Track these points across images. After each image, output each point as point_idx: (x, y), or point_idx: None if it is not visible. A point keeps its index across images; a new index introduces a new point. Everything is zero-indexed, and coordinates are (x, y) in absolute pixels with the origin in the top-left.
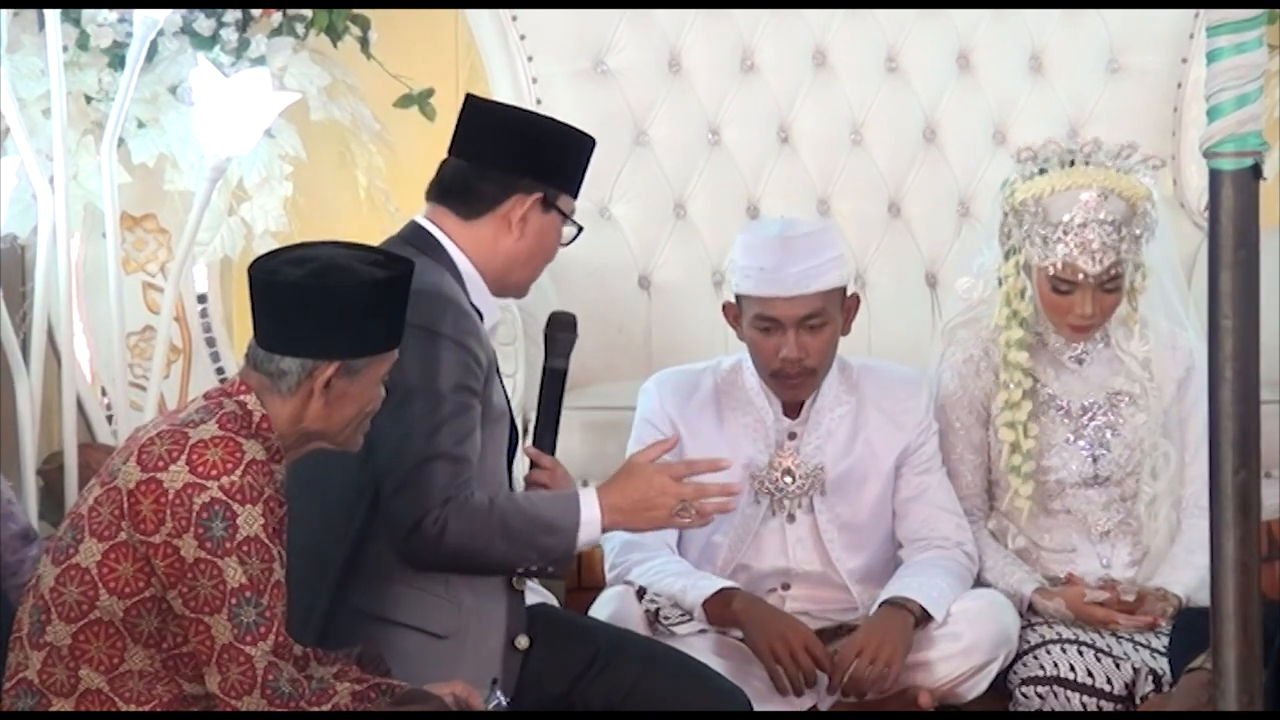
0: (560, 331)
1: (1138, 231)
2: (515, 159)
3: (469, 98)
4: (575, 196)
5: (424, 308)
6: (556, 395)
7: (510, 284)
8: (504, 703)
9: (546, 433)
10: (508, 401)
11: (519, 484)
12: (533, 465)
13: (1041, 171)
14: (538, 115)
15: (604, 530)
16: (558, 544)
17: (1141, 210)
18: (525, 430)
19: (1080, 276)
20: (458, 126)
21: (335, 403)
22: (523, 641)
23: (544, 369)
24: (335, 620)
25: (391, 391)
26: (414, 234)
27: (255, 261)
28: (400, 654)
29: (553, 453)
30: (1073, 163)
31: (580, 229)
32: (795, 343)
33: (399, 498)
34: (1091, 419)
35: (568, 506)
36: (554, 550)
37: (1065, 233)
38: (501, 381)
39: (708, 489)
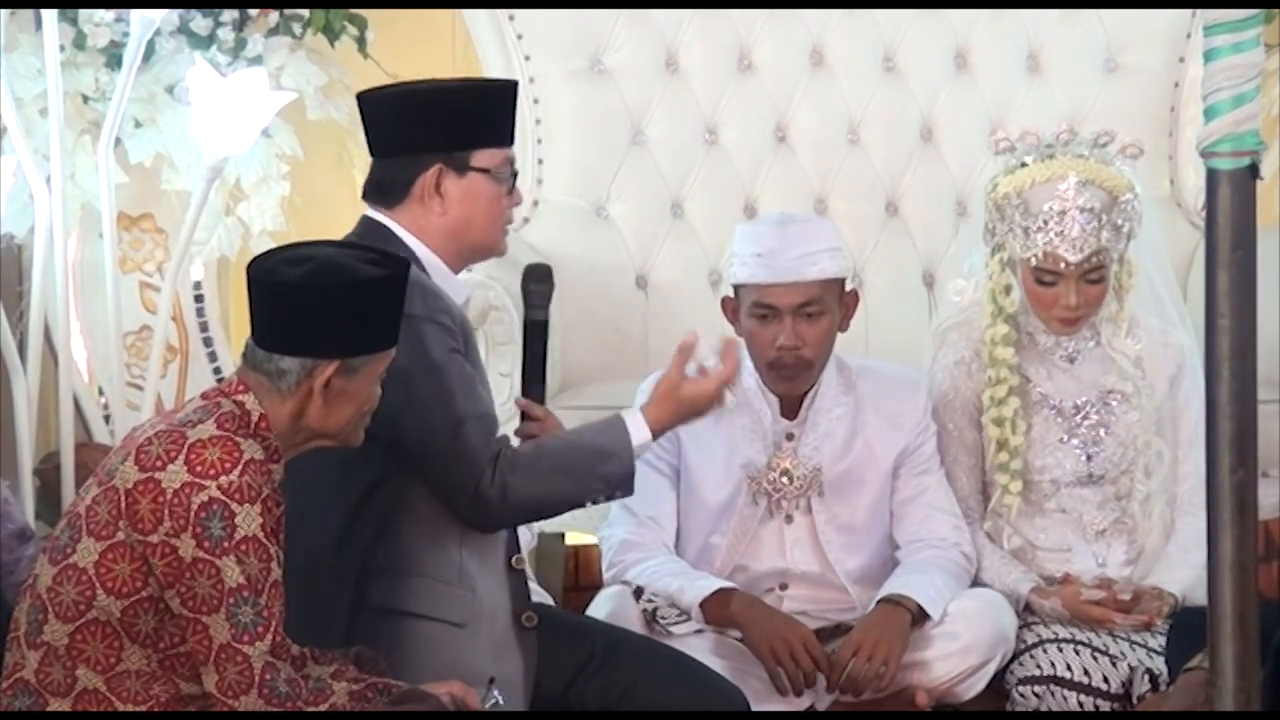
0: (536, 284)
1: (1119, 221)
2: (408, 138)
3: (358, 98)
4: (501, 144)
5: None
6: (540, 347)
7: (469, 251)
8: (500, 701)
9: (534, 384)
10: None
11: None
12: (524, 417)
13: (1022, 165)
14: (427, 85)
15: (654, 437)
16: (618, 468)
17: (1123, 200)
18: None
19: (1062, 265)
20: (364, 128)
21: (334, 402)
22: (531, 618)
23: (524, 321)
24: (357, 621)
25: (390, 383)
26: (368, 229)
27: (253, 261)
28: (422, 645)
29: (542, 403)
30: (1052, 155)
31: (515, 174)
32: (792, 330)
33: (447, 473)
34: (1084, 418)
35: (615, 430)
36: (615, 475)
37: (1045, 222)
38: (483, 371)
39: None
